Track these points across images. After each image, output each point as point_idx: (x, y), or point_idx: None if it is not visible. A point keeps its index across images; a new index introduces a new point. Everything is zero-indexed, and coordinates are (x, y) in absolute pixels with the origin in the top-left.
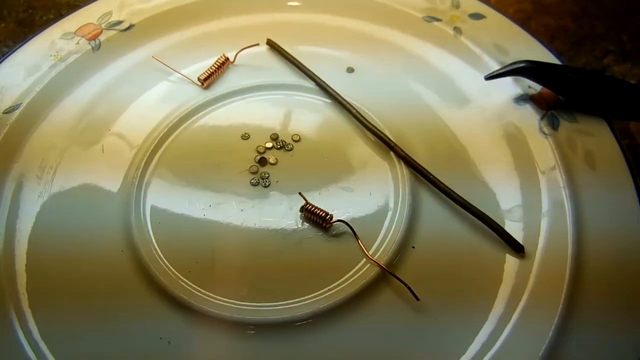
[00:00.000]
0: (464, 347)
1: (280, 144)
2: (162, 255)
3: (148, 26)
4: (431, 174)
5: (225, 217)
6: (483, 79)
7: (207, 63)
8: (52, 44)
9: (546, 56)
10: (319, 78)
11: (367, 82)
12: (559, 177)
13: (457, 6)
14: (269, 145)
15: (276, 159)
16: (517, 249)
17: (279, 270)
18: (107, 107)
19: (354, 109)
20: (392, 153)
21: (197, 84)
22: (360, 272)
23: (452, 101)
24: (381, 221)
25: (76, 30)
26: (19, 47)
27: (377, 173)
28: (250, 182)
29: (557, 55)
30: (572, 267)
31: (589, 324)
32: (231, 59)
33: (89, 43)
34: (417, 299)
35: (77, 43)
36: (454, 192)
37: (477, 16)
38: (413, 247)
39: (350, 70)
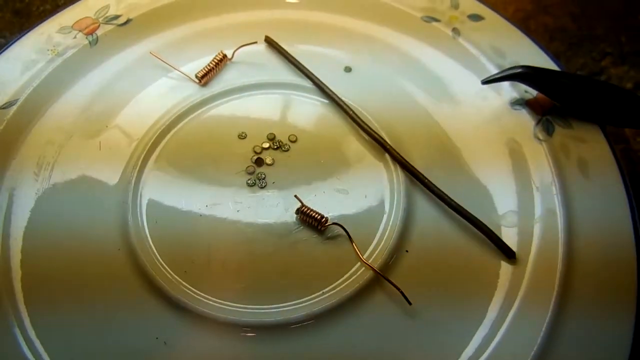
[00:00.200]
0: (456, 351)
1: (277, 144)
2: (158, 256)
3: (145, 21)
4: (426, 178)
5: (221, 218)
6: (479, 82)
7: (204, 59)
8: (49, 38)
9: (543, 60)
10: (317, 77)
11: (363, 82)
12: (552, 183)
13: (456, 6)
14: (266, 145)
15: (273, 159)
16: (508, 254)
17: (273, 272)
18: (104, 103)
19: (351, 110)
20: (387, 155)
21: (194, 81)
22: (355, 275)
23: (448, 104)
24: (376, 224)
25: (73, 24)
26: (15, 41)
27: (372, 175)
28: (247, 183)
29: (555, 59)
30: (563, 273)
31: (579, 329)
32: (229, 56)
33: (86, 38)
34: (410, 303)
35: (75, 37)
36: (448, 196)
37: (475, 17)
38: (407, 251)
39: (347, 69)
